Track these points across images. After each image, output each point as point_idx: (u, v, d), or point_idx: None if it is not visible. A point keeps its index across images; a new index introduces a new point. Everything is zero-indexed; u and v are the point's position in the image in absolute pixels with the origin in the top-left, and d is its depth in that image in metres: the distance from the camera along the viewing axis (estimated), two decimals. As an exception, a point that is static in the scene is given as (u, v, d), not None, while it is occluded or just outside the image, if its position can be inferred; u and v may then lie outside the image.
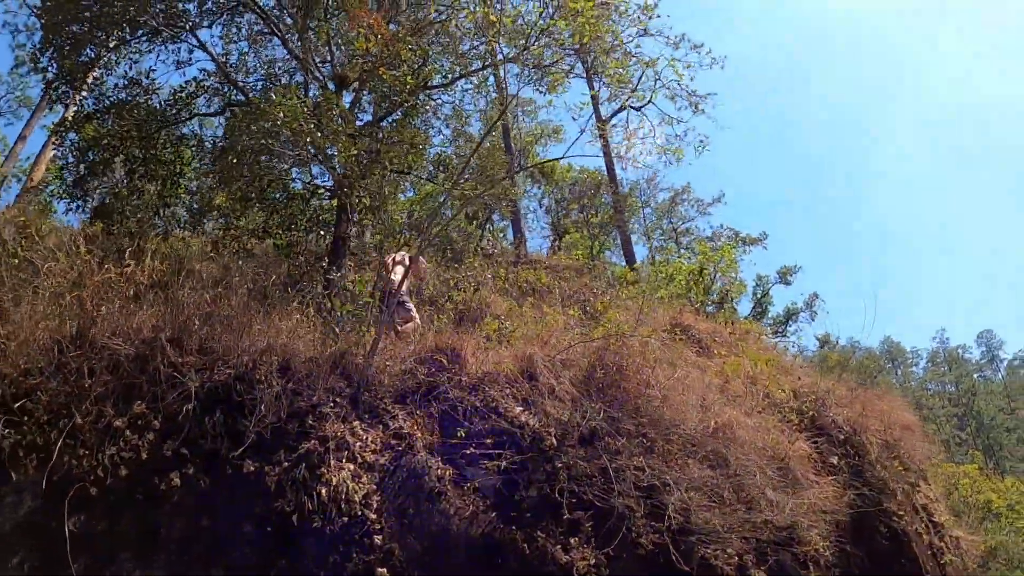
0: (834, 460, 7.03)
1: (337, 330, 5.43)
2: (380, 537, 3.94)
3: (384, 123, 8.57)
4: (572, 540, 4.13)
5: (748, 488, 5.10)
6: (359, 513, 3.99)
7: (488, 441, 4.50)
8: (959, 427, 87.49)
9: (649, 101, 17.82)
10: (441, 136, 10.71)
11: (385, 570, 3.76)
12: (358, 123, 7.94)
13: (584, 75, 15.04)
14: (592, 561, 4.04)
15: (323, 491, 3.97)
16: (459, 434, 4.49)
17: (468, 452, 4.44)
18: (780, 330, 23.40)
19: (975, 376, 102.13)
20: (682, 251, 21.31)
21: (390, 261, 6.69)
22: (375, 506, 4.07)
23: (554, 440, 4.48)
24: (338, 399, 4.53)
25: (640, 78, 14.94)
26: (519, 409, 4.78)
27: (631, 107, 18.29)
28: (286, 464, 4.05)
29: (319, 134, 6.35)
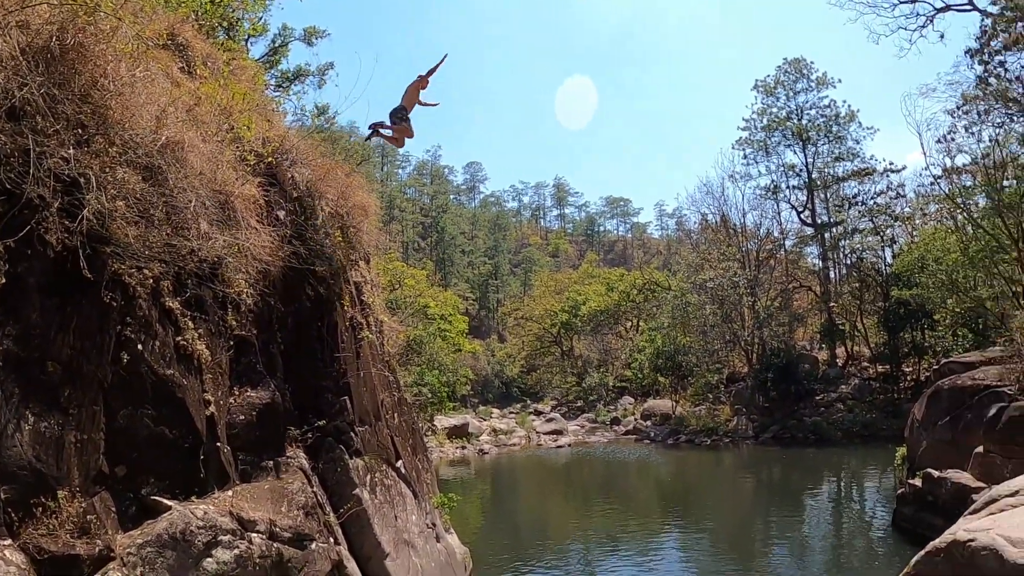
0: (281, 214, 10.00)
1: None
2: None
3: None
4: (-28, 224, 5.27)
5: (181, 213, 7.23)
6: None
7: None
8: (422, 235, 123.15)
9: None
10: None
11: None
12: None
13: None
14: (-9, 250, 5.41)
15: None
16: None
17: None
18: (283, 84, 31.44)
19: (451, 197, 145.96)
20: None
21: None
22: None
23: (-24, 106, 5.27)
24: None
25: None
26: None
27: None
28: None
29: None
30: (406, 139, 13.32)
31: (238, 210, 8.38)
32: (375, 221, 14.84)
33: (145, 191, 6.69)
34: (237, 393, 8.52)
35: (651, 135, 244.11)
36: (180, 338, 7.17)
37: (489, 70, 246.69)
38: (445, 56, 12.35)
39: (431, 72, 12.46)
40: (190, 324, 7.36)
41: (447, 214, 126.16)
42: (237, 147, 9.08)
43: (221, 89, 9.34)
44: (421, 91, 12.63)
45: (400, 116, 12.54)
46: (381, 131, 12.99)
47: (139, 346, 6.60)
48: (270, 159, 9.81)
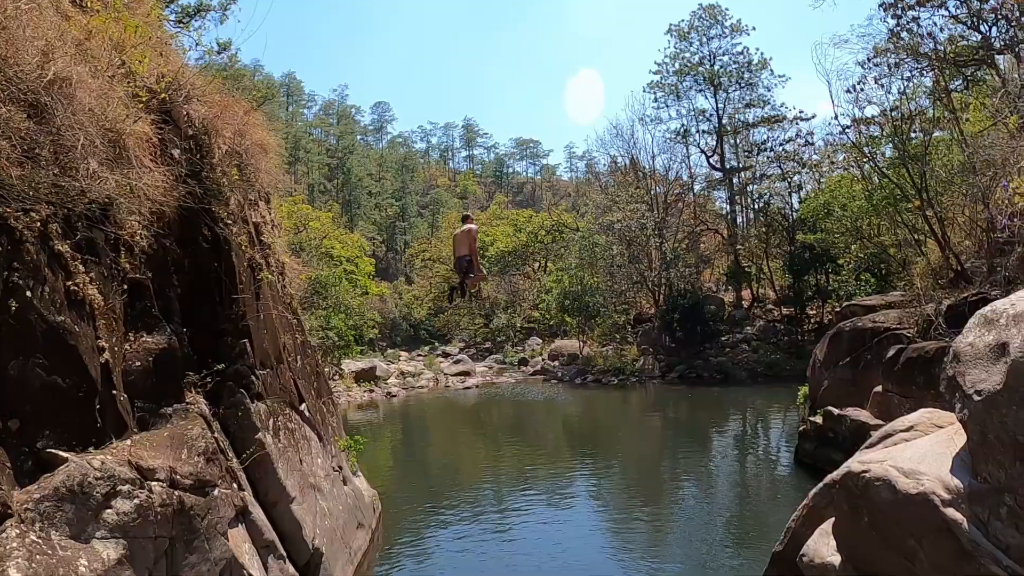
0: (175, 152, 9.71)
1: None
2: None
3: None
4: None
5: (70, 152, 6.95)
6: None
7: None
8: (328, 177, 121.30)
9: None
10: None
11: None
12: None
13: None
14: None
15: None
16: None
17: None
18: (184, 20, 30.40)
19: (358, 138, 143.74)
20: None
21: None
22: None
23: None
24: None
25: None
26: None
27: None
28: None
29: None
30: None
31: (130, 149, 8.11)
32: (276, 160, 14.56)
33: (31, 129, 6.42)
34: (132, 339, 8.35)
35: (562, 77, 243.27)
36: (71, 283, 6.96)
37: (398, 4, 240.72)
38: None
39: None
40: (81, 268, 7.15)
41: (354, 155, 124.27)
42: (129, 83, 8.74)
43: (114, 23, 8.94)
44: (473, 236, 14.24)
45: (468, 266, 14.09)
46: (467, 284, 14.44)
47: (28, 292, 6.38)
48: (164, 95, 9.49)
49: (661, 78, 58.40)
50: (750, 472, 21.02)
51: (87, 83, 7.33)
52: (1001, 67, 25.49)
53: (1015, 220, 13.19)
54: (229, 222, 10.52)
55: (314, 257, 37.40)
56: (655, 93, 58.64)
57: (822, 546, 9.15)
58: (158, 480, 7.32)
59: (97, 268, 7.51)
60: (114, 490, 6.61)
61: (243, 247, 11.02)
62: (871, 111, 31.29)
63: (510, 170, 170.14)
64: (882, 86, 29.33)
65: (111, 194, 7.54)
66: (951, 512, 6.92)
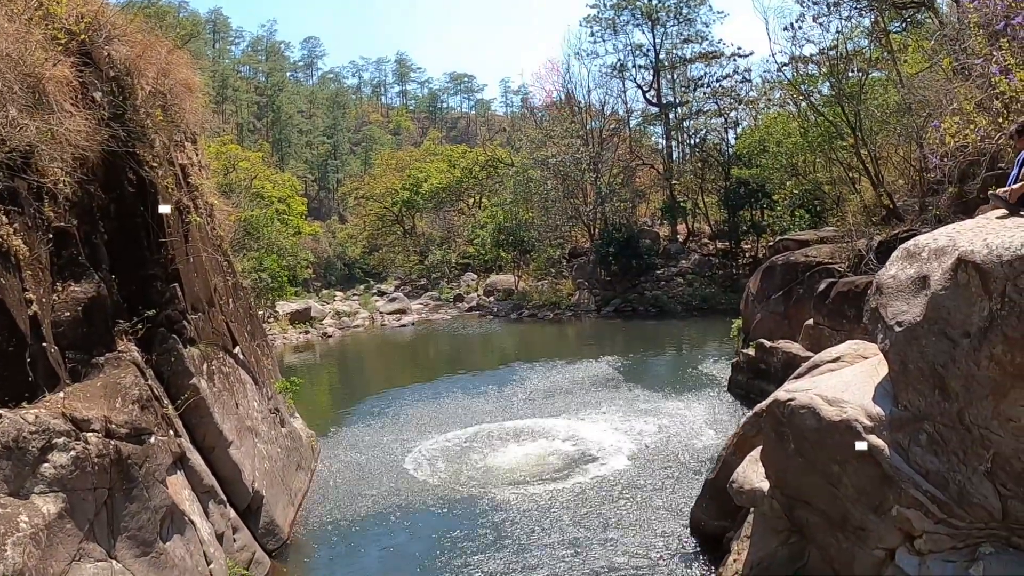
0: (97, 95, 9.41)
1: None
2: None
3: None
4: None
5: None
6: None
7: None
8: (258, 116, 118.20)
9: None
10: None
11: None
12: None
13: None
14: None
15: None
16: None
17: None
18: None
19: (288, 74, 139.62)
20: None
21: None
22: None
23: None
24: None
25: None
26: None
27: None
28: None
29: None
30: None
31: (50, 93, 7.84)
32: (202, 99, 14.19)
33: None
34: (60, 289, 8.20)
35: (497, 9, 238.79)
36: (-6, 235, 6.80)
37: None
38: None
39: None
40: (4, 219, 6.97)
41: (283, 93, 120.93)
42: (47, 25, 8.40)
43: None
44: None
45: None
46: None
47: (-52, 245, 6.22)
48: (83, 37, 9.16)
49: (598, 12, 57.83)
50: (684, 401, 21.51)
51: (3, 27, 7.06)
52: (941, 10, 25.84)
53: (947, 160, 13.58)
54: (155, 165, 10.28)
55: (244, 198, 36.58)
56: (592, 27, 58.12)
57: (751, 473, 9.53)
58: (93, 431, 7.28)
59: (20, 218, 7.32)
60: (50, 443, 6.57)
61: (170, 190, 10.81)
62: (809, 50, 31.59)
63: (444, 105, 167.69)
64: (821, 25, 29.54)
65: (32, 141, 7.31)
66: (873, 438, 7.22)
